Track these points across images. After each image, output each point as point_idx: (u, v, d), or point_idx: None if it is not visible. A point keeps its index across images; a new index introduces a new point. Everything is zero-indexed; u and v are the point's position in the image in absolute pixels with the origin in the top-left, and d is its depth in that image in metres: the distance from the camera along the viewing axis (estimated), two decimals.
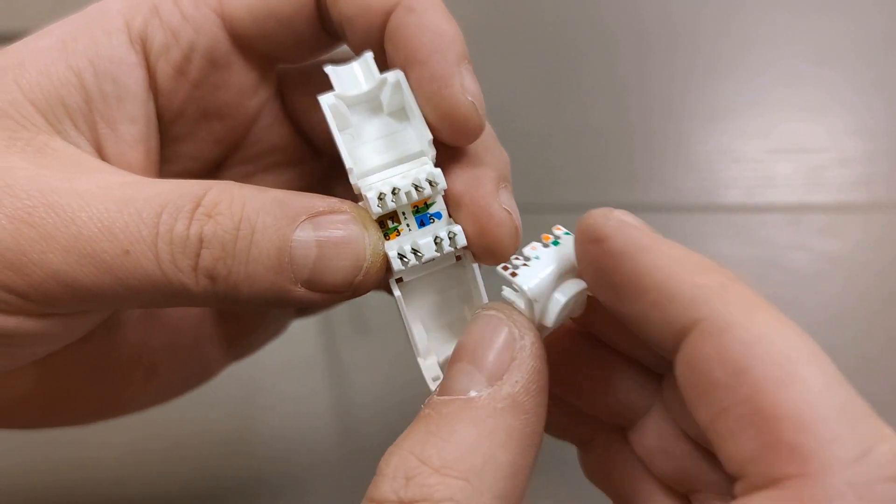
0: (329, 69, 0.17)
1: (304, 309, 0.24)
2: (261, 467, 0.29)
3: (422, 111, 0.17)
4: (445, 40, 0.16)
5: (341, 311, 0.34)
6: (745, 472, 0.12)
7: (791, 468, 0.11)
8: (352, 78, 0.17)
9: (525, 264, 0.16)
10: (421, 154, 0.17)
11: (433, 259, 0.16)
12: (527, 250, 0.16)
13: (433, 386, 0.16)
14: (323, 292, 0.16)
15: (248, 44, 0.19)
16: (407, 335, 0.17)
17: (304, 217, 0.16)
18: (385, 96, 0.17)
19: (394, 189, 0.16)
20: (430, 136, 0.16)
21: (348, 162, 0.16)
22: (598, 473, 0.18)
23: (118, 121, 0.18)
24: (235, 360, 0.25)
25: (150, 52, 0.18)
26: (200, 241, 0.15)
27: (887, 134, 0.43)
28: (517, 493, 0.13)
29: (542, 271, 0.15)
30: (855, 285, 0.34)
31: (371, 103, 0.17)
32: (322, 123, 0.19)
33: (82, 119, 0.17)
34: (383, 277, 0.17)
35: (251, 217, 0.15)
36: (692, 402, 0.13)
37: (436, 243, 0.16)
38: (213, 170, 0.21)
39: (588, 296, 0.16)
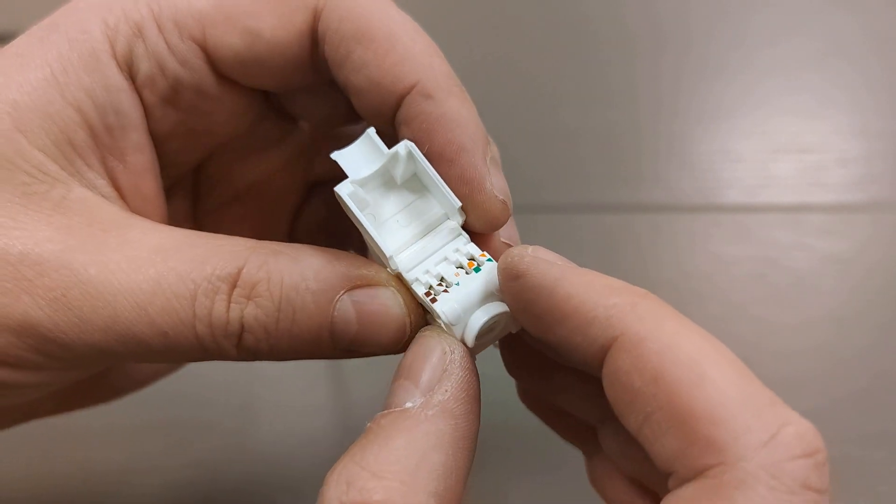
0: (336, 156, 0.16)
1: None
2: (260, 469, 0.29)
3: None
4: (470, 134, 0.16)
5: None
6: (673, 468, 0.13)
7: (710, 459, 0.12)
8: (360, 158, 0.16)
9: (445, 290, 0.16)
10: (445, 217, 0.17)
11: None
12: (450, 276, 0.16)
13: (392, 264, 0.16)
14: (367, 352, 0.17)
15: (235, 81, 0.18)
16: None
17: (342, 291, 0.16)
18: (398, 170, 0.17)
19: (441, 279, 0.16)
20: (458, 203, 0.16)
21: (387, 251, 0.16)
22: (598, 480, 0.19)
23: (126, 152, 0.17)
24: None
25: (136, 78, 0.17)
26: (242, 326, 0.15)
27: (887, 134, 0.43)
28: (452, 492, 0.14)
29: (459, 298, 0.16)
30: (855, 285, 0.34)
31: (383, 177, 0.17)
32: (303, 105, 0.19)
33: (92, 156, 0.17)
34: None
35: (291, 297, 0.15)
36: (621, 414, 0.14)
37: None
38: (196, 168, 0.21)
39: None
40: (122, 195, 0.17)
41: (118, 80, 0.17)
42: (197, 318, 0.15)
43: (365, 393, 0.31)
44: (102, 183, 0.17)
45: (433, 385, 0.15)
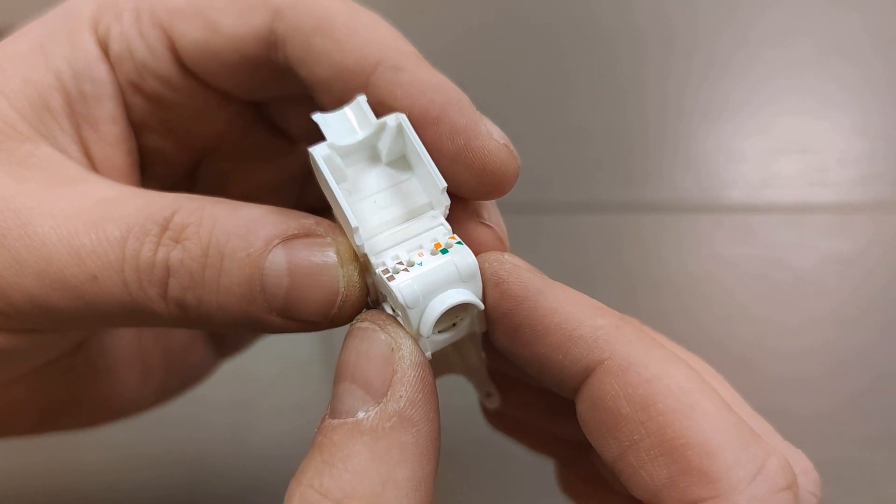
0: (317, 117, 0.15)
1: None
2: (258, 472, 0.29)
3: (448, 170, 0.15)
4: (452, 92, 0.15)
5: None
6: (660, 498, 0.12)
7: (703, 492, 0.12)
8: (345, 125, 0.15)
9: (406, 269, 0.14)
10: (429, 207, 0.15)
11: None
12: (412, 256, 0.14)
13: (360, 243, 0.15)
14: (299, 321, 0.15)
15: (199, 77, 0.18)
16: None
17: (277, 241, 0.14)
18: (384, 144, 0.15)
19: (402, 261, 0.14)
20: (444, 184, 0.15)
21: (353, 221, 0.14)
22: (572, 488, 0.19)
23: (100, 121, 0.17)
24: (224, 357, 0.24)
25: (109, 56, 0.18)
26: (167, 268, 0.14)
27: (890, 133, 0.43)
28: (424, 502, 0.13)
29: (419, 277, 0.14)
30: (857, 285, 0.34)
31: (368, 152, 0.15)
32: (299, 125, 0.19)
33: (66, 121, 0.17)
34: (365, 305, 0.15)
35: (220, 241, 0.14)
36: (598, 438, 0.13)
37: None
38: (190, 172, 0.21)
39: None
40: (94, 164, 0.18)
41: (95, 53, 0.17)
42: (125, 260, 0.14)
43: None
44: (74, 148, 0.17)
45: (384, 388, 0.13)
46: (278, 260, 0.14)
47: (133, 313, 0.15)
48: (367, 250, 0.14)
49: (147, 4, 0.17)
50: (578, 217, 0.38)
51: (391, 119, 0.15)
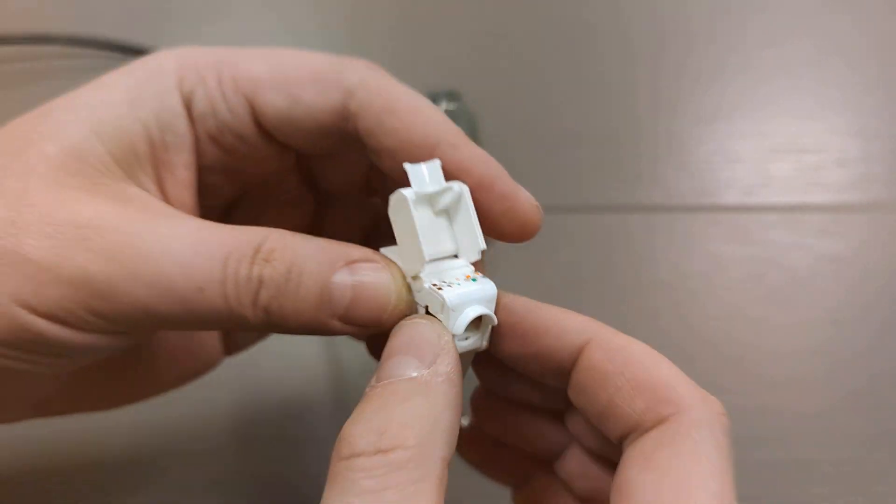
0: (408, 167, 0.19)
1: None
2: (260, 469, 0.29)
3: (496, 223, 0.21)
4: (497, 166, 0.21)
5: None
6: (640, 422, 0.18)
7: (671, 410, 0.17)
8: (422, 177, 0.19)
9: (449, 286, 0.19)
10: (454, 256, 0.20)
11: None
12: (451, 280, 0.19)
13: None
14: (356, 326, 0.19)
15: (273, 136, 0.22)
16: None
17: (342, 263, 0.19)
18: (444, 200, 0.20)
19: (443, 282, 0.20)
20: (483, 246, 0.20)
21: (426, 252, 0.19)
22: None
23: (176, 167, 0.21)
24: (231, 353, 0.26)
25: (192, 113, 0.21)
26: (260, 282, 0.18)
27: (885, 134, 0.43)
28: (454, 445, 0.17)
29: (460, 293, 0.19)
30: (852, 285, 0.34)
31: (427, 200, 0.20)
32: (330, 178, 0.24)
33: (149, 166, 0.20)
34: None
35: (300, 262, 0.18)
36: (593, 393, 0.19)
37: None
38: (228, 207, 0.24)
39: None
40: (169, 202, 0.21)
41: (179, 110, 0.20)
42: (227, 275, 0.18)
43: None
44: (153, 188, 0.20)
45: (434, 359, 0.18)
46: (344, 278, 0.18)
47: (227, 319, 0.18)
48: (421, 273, 0.19)
49: (229, 72, 0.21)
50: (576, 217, 0.39)
51: (456, 185, 0.20)
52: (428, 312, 0.19)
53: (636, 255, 0.36)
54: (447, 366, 0.18)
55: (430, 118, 0.20)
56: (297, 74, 0.21)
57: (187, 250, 0.18)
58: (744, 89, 0.48)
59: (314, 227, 0.26)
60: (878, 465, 0.27)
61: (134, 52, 0.53)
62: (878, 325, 0.32)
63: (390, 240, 0.20)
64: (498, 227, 0.21)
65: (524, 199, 0.21)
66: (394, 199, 0.19)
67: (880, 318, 0.32)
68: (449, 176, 0.20)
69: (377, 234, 0.26)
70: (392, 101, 0.20)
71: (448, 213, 0.21)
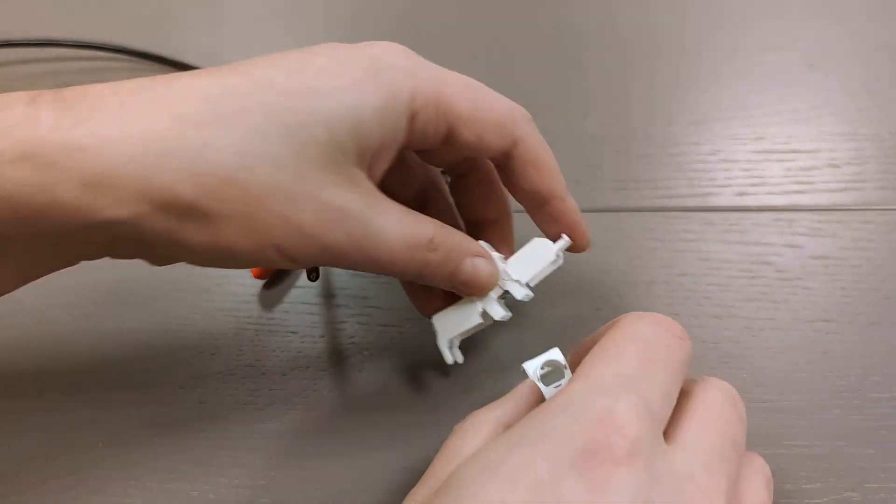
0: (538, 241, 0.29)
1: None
2: (265, 467, 0.29)
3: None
4: (580, 216, 0.29)
5: (343, 315, 0.35)
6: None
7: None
8: (530, 257, 0.29)
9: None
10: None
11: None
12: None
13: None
14: (458, 289, 0.28)
15: (451, 150, 0.28)
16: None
17: (469, 254, 0.27)
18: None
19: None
20: (530, 295, 0.28)
21: (515, 275, 0.28)
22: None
23: (383, 161, 0.26)
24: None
25: (412, 127, 0.25)
26: (426, 262, 0.26)
27: (875, 137, 0.44)
28: None
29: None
30: (844, 285, 0.34)
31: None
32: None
33: (370, 156, 0.25)
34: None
35: (449, 251, 0.26)
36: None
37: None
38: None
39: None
40: None
41: (404, 124, 0.25)
42: (410, 256, 0.25)
43: (366, 392, 0.31)
44: (366, 173, 0.25)
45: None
46: (468, 263, 0.27)
47: (392, 274, 0.26)
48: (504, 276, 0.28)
49: (444, 103, 0.25)
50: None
51: (561, 260, 0.28)
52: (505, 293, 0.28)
53: (633, 255, 0.36)
54: None
55: (556, 176, 0.28)
56: (487, 118, 0.26)
57: (393, 237, 0.25)
58: (737, 93, 0.48)
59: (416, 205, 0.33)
60: (870, 461, 0.27)
61: (138, 55, 0.54)
62: (868, 323, 0.32)
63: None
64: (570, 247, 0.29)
65: (586, 238, 0.29)
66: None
67: (871, 317, 0.33)
68: (550, 219, 0.28)
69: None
70: (539, 157, 0.28)
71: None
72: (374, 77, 0.24)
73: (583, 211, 0.29)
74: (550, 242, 0.28)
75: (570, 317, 0.34)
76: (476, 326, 0.28)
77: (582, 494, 0.17)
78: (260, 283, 0.36)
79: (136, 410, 0.31)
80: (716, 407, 0.22)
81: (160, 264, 0.25)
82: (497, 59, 0.49)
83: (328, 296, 0.36)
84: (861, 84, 0.48)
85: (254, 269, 0.35)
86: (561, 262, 0.28)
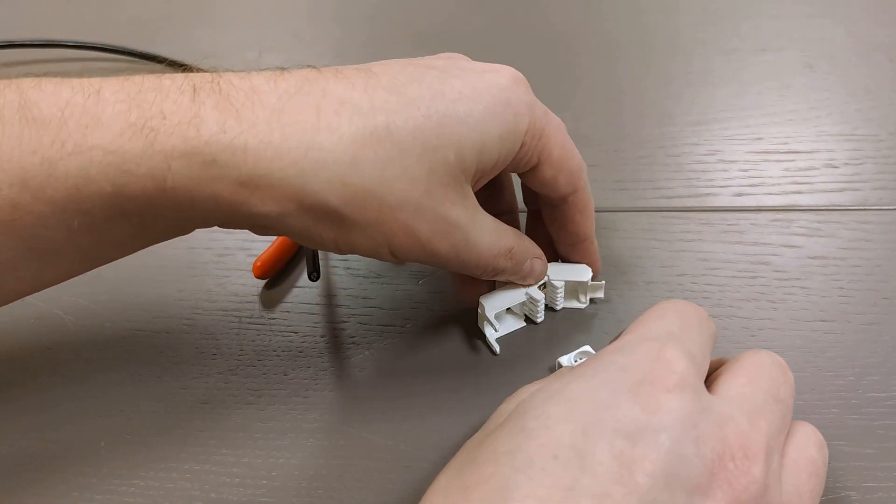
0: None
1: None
2: (267, 462, 0.29)
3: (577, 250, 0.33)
4: (597, 255, 0.34)
5: (344, 314, 0.35)
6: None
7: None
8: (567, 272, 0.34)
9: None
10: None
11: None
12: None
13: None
14: (520, 283, 0.32)
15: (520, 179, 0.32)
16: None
17: (530, 258, 0.31)
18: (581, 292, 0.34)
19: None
20: (562, 305, 0.35)
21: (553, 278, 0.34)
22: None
23: (488, 177, 0.29)
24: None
25: (518, 155, 0.28)
26: (504, 269, 0.30)
27: (874, 137, 0.44)
28: None
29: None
30: (842, 285, 0.34)
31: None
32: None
33: (481, 175, 0.28)
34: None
35: (520, 259, 0.30)
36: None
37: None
38: None
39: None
40: None
41: (513, 151, 0.28)
42: (494, 262, 0.29)
43: (369, 389, 0.31)
44: (471, 190, 0.28)
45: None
46: (529, 264, 0.31)
47: (480, 274, 0.30)
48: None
49: (543, 143, 0.28)
50: None
51: (595, 299, 0.35)
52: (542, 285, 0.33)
53: (632, 254, 0.37)
54: None
55: (593, 223, 0.32)
56: (567, 164, 0.29)
57: (484, 248, 0.28)
58: (735, 94, 0.48)
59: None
60: (868, 461, 0.27)
61: (139, 56, 0.54)
62: (866, 323, 0.32)
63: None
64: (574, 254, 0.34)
65: (598, 271, 0.34)
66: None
67: (869, 317, 0.33)
68: (578, 254, 0.33)
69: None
70: (587, 206, 0.32)
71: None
72: (503, 108, 0.27)
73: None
74: (590, 270, 0.33)
75: (570, 316, 0.34)
76: (519, 307, 0.33)
77: (638, 414, 0.19)
78: (261, 283, 0.36)
79: (137, 410, 0.31)
80: (762, 367, 0.23)
81: (262, 234, 0.27)
82: (501, 57, 0.49)
83: (329, 296, 0.36)
84: (860, 85, 0.49)
85: (255, 269, 0.35)
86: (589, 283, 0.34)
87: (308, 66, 0.26)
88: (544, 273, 0.33)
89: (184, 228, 0.25)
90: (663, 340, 0.22)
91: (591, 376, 0.21)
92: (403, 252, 0.26)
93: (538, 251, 0.32)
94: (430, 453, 0.28)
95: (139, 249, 0.26)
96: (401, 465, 0.28)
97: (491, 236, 0.28)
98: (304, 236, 0.25)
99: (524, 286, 0.32)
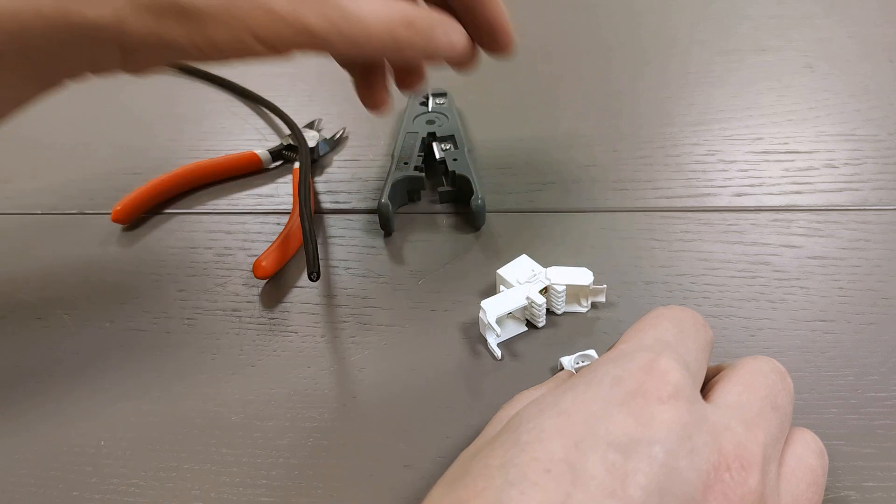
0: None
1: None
2: (266, 466, 0.29)
3: (482, 43, 0.30)
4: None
5: (344, 314, 0.35)
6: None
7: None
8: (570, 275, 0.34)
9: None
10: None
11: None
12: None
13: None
14: (445, 55, 0.29)
15: None
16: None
17: (444, 27, 0.28)
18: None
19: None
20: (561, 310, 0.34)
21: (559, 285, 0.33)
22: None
23: None
24: (132, 72, 0.29)
25: None
26: (411, 44, 0.27)
27: (874, 137, 0.44)
28: None
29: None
30: (842, 285, 0.34)
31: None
32: None
33: None
34: None
35: (425, 28, 0.27)
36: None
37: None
38: None
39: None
40: None
41: None
42: (393, 36, 0.26)
43: (369, 389, 0.31)
44: None
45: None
46: (444, 36, 0.28)
47: (381, 52, 0.27)
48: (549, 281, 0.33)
49: None
50: (576, 215, 0.39)
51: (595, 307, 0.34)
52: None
53: (632, 254, 0.37)
54: None
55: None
56: None
57: (371, 19, 0.25)
58: (735, 95, 0.48)
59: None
60: (868, 460, 0.27)
61: None
62: (865, 323, 0.32)
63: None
64: (483, 45, 0.30)
65: (509, 36, 0.30)
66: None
67: (868, 317, 0.33)
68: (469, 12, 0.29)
69: None
70: None
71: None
72: None
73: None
74: (591, 274, 0.33)
75: (572, 321, 0.34)
76: (520, 311, 0.33)
77: (631, 427, 0.19)
78: (261, 283, 0.36)
79: (137, 410, 0.31)
80: (760, 374, 0.23)
81: (143, 72, 0.25)
82: (497, 63, 0.49)
83: (329, 296, 0.36)
84: (859, 85, 0.49)
85: (255, 269, 0.35)
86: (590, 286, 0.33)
87: None
88: (466, 45, 0.29)
89: (41, 73, 0.25)
90: (657, 350, 0.22)
91: (585, 388, 0.21)
92: (272, 36, 0.24)
93: (451, 21, 0.28)
94: (430, 453, 0.28)
95: (11, 109, 0.26)
96: (401, 465, 0.28)
97: (373, 4, 0.26)
98: (158, 44, 0.24)
99: (458, 69, 0.30)
